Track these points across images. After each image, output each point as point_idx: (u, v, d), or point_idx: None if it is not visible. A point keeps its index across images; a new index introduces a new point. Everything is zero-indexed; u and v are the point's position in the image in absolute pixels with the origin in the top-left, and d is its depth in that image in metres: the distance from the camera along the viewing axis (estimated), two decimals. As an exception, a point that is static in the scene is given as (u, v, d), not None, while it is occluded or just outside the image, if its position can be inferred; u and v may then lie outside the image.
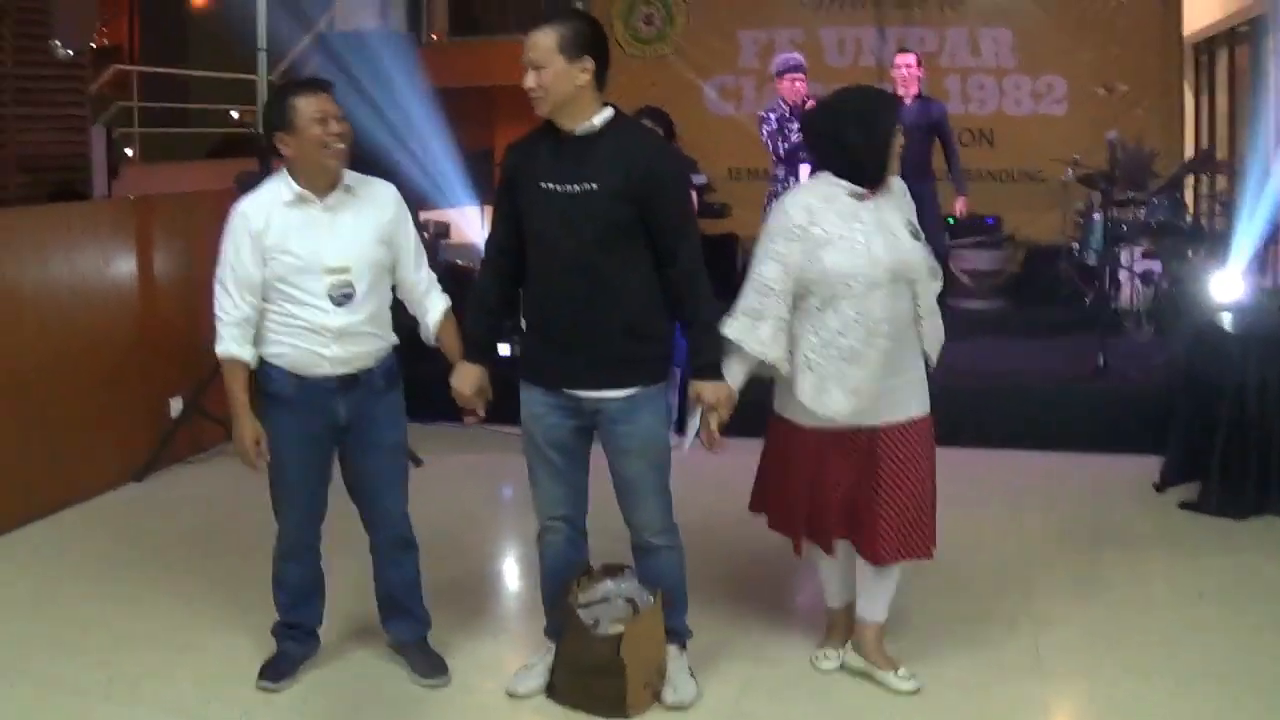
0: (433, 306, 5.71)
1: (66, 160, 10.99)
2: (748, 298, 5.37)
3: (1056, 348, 11.25)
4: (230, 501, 8.41)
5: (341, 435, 5.59)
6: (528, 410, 5.44)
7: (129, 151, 17.20)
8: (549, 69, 5.06)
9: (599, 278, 5.17)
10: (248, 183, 8.65)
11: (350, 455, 5.66)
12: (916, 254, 5.23)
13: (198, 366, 9.36)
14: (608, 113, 5.20)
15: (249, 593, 6.45)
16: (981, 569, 6.74)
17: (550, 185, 5.17)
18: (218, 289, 5.48)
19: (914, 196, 5.58)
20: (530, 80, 5.07)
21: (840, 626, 5.88)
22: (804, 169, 10.26)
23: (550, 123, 5.24)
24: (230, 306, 5.46)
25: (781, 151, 10.94)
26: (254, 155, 10.06)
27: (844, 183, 5.26)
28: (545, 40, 5.06)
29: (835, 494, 5.39)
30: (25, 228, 8.30)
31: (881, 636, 5.66)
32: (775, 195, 10.50)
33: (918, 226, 5.34)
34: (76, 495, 8.52)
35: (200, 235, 9.48)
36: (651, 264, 5.24)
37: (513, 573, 7.38)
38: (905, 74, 11.70)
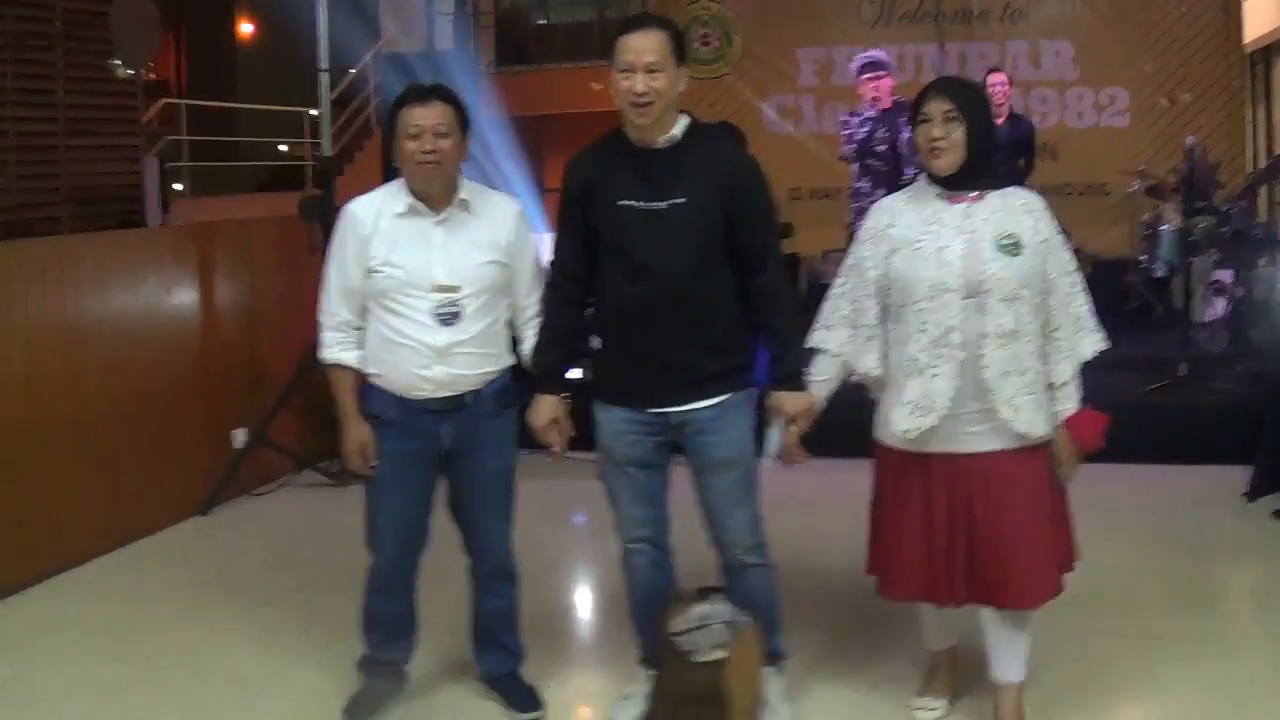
0: (530, 334, 5.48)
1: (120, 191, 10.92)
2: (827, 303, 5.22)
3: (1131, 360, 11.06)
4: (298, 533, 8.33)
5: (445, 461, 5.39)
6: (608, 429, 5.25)
7: (178, 186, 17.23)
8: (664, 73, 4.86)
9: (686, 295, 5.00)
10: (311, 208, 8.58)
11: (455, 482, 5.47)
12: (1000, 269, 4.81)
13: (261, 396, 9.29)
14: (685, 121, 5.04)
15: (325, 626, 6.35)
16: (1082, 583, 6.52)
17: (632, 202, 4.99)
18: (322, 292, 5.36)
19: None
20: (642, 84, 4.82)
21: (943, 672, 5.54)
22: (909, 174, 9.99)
23: (617, 136, 5.09)
24: (332, 310, 5.33)
25: (850, 155, 10.79)
26: (303, 187, 9.98)
27: (936, 185, 5.01)
28: (660, 43, 4.87)
29: (924, 531, 5.00)
30: (85, 256, 8.16)
31: (1020, 701, 5.20)
32: (861, 210, 10.29)
33: (1024, 240, 4.86)
34: (141, 529, 8.40)
35: (261, 263, 9.45)
36: (733, 275, 5.09)
37: (597, 600, 7.23)
38: (996, 92, 11.74)
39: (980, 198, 4.92)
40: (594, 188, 5.09)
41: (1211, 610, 6.56)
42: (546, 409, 5.27)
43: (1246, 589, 7.01)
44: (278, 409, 9.21)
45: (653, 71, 4.84)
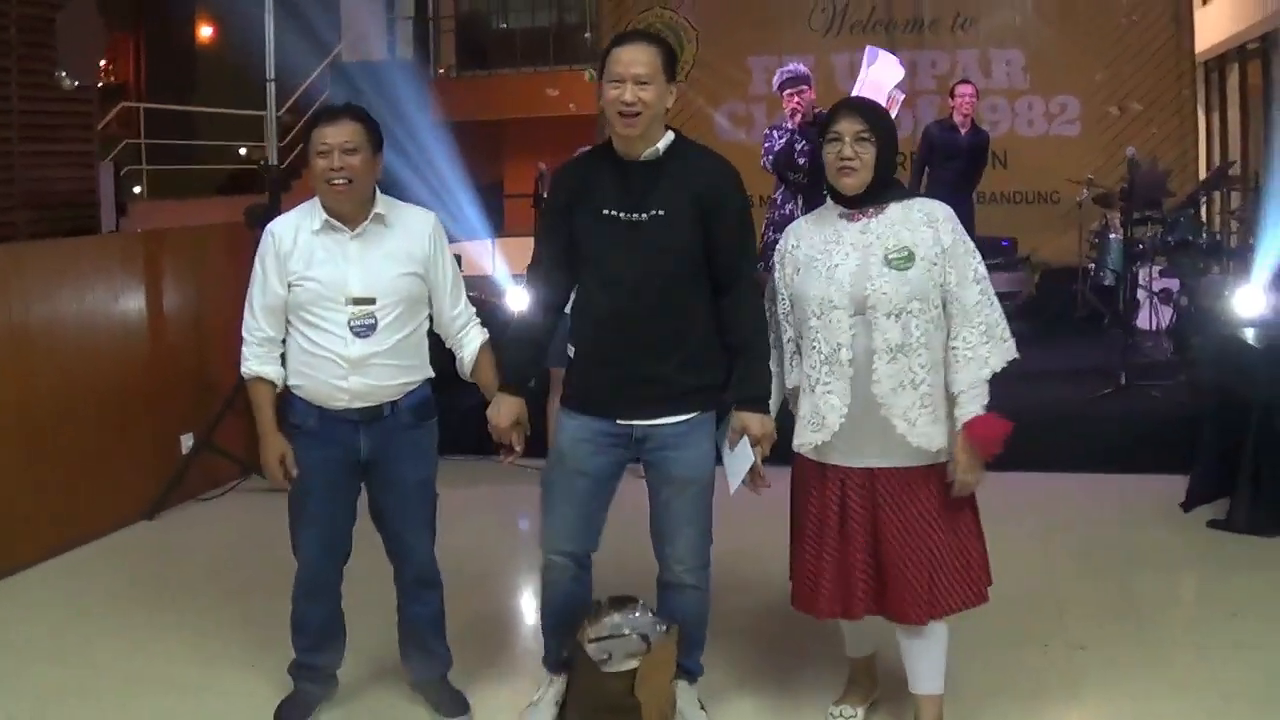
0: (469, 341, 5.55)
1: (74, 196, 10.94)
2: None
3: (1076, 369, 11.18)
4: (245, 539, 8.34)
5: (364, 470, 5.46)
6: (568, 437, 5.27)
7: (137, 189, 17.22)
8: (653, 86, 4.92)
9: (664, 306, 5.05)
10: (257, 216, 8.63)
11: (373, 490, 5.53)
12: (885, 284, 4.85)
13: (209, 402, 9.33)
14: (670, 136, 5.08)
15: (265, 632, 6.35)
16: (1011, 592, 6.60)
17: (614, 213, 5.05)
18: (246, 308, 5.41)
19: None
20: (631, 95, 4.88)
21: (861, 680, 5.60)
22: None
23: (603, 148, 5.17)
24: (255, 326, 5.38)
25: (768, 166, 10.81)
26: (263, 191, 10.02)
27: (839, 204, 5.06)
28: (651, 57, 4.93)
29: (835, 546, 5.04)
30: (34, 262, 8.22)
31: (940, 712, 5.22)
32: (773, 222, 10.40)
33: (920, 253, 4.89)
34: (88, 533, 8.43)
35: (210, 269, 9.49)
36: (710, 291, 5.14)
37: (531, 608, 7.23)
38: (965, 103, 11.89)
39: (880, 211, 4.98)
40: (578, 198, 5.16)
41: (1138, 620, 6.62)
42: (510, 409, 5.29)
43: (1175, 598, 7.07)
44: (224, 414, 9.26)
45: (641, 83, 4.90)
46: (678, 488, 5.22)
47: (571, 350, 5.31)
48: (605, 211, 5.05)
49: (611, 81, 4.93)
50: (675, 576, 5.37)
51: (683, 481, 5.21)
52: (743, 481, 5.18)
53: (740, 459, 5.14)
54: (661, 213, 4.98)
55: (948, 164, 11.88)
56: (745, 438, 5.12)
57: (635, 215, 5.00)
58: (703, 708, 5.54)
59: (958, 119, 12.20)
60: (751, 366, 5.15)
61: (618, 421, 5.18)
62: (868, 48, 10.88)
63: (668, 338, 5.07)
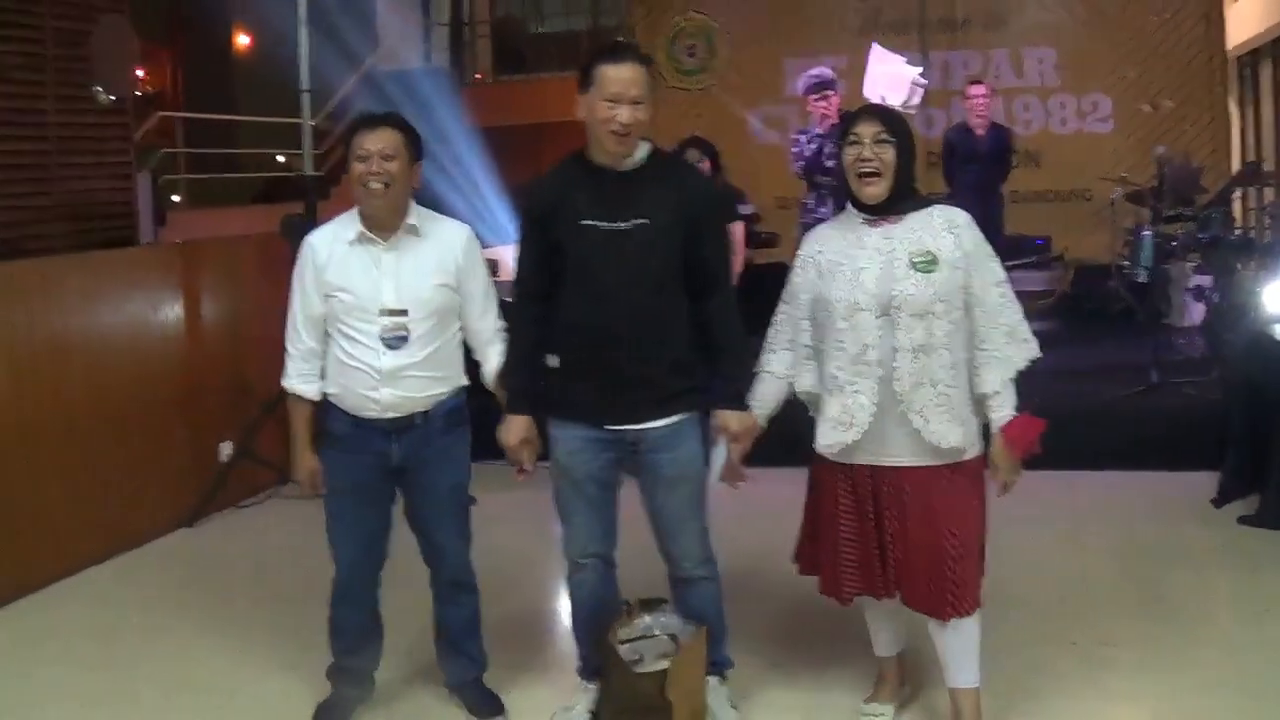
0: (494, 355, 5.60)
1: (112, 208, 10.97)
2: (771, 329, 5.37)
3: (1109, 366, 11.20)
4: (283, 545, 8.42)
5: (397, 477, 5.54)
6: (565, 448, 5.36)
7: (175, 198, 17.27)
8: (645, 105, 5.05)
9: (647, 313, 5.15)
10: (293, 226, 8.70)
11: (408, 497, 5.61)
12: (911, 286, 4.93)
13: (247, 410, 9.43)
14: (647, 147, 5.20)
15: (304, 636, 6.39)
16: (1041, 590, 6.66)
17: (595, 222, 5.13)
18: (289, 321, 5.52)
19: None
20: (628, 115, 5.00)
21: (890, 678, 5.65)
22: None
23: (579, 160, 5.24)
24: (297, 339, 5.49)
25: (799, 172, 10.92)
26: (301, 198, 10.08)
27: (861, 212, 5.13)
28: (643, 77, 5.06)
29: (857, 534, 5.14)
30: (72, 275, 8.33)
31: (978, 704, 5.26)
32: (806, 226, 10.40)
33: (942, 257, 4.97)
34: (128, 542, 8.53)
35: (246, 279, 9.59)
36: (688, 296, 5.24)
37: (565, 610, 7.21)
38: (978, 104, 11.85)
39: (900, 219, 5.05)
40: (557, 209, 5.22)
41: (1167, 616, 6.62)
42: (518, 429, 5.38)
43: (1204, 595, 7.04)
44: (262, 422, 9.34)
45: (636, 104, 5.02)
46: (672, 487, 5.33)
47: (554, 361, 5.36)
48: (586, 222, 5.14)
49: (608, 100, 5.01)
50: (686, 572, 5.48)
51: (676, 481, 5.32)
52: (720, 477, 5.36)
53: (717, 456, 5.34)
54: (645, 221, 5.10)
55: (967, 167, 11.84)
56: (724, 436, 5.27)
57: (617, 224, 5.11)
58: (734, 706, 5.59)
59: (973, 121, 12.18)
60: (731, 366, 5.30)
61: (608, 427, 5.27)
62: (874, 45, 10.95)
63: (654, 342, 5.18)
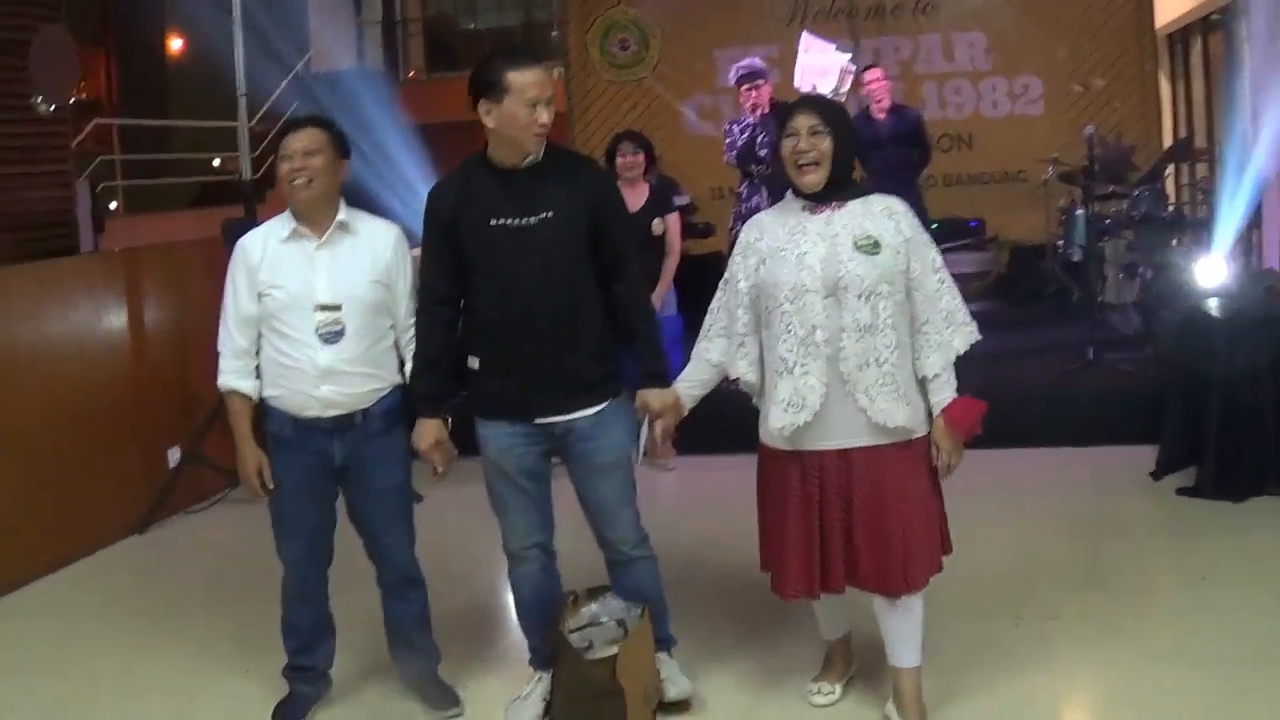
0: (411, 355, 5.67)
1: (52, 217, 10.99)
2: (708, 317, 5.44)
3: (1046, 345, 11.35)
4: (234, 549, 8.40)
5: (340, 477, 5.60)
6: (495, 445, 5.45)
7: (113, 205, 17.23)
8: (554, 104, 5.21)
9: (562, 306, 5.26)
10: (233, 230, 8.71)
11: (350, 497, 5.68)
12: (856, 266, 5.00)
13: (194, 415, 9.45)
14: (543, 143, 5.30)
15: (258, 638, 6.44)
16: (984, 565, 6.74)
17: (503, 221, 5.24)
18: (220, 322, 5.58)
19: None
20: (548, 115, 5.16)
21: (837, 659, 5.75)
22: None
23: (481, 161, 5.35)
24: (229, 339, 5.54)
25: (732, 161, 11.00)
26: (238, 202, 10.09)
27: (801, 198, 5.22)
28: (548, 73, 5.18)
29: (804, 533, 5.16)
30: (16, 285, 8.35)
31: (919, 683, 5.34)
32: (739, 215, 10.56)
33: (884, 241, 5.06)
34: (79, 550, 8.53)
35: (188, 284, 9.59)
36: (598, 285, 5.37)
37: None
38: (875, 89, 11.87)
39: (841, 205, 5.15)
40: (462, 212, 5.33)
41: (1109, 589, 6.72)
42: (429, 433, 5.47)
43: (1146, 566, 7.15)
44: (209, 426, 9.34)
45: (550, 102, 5.17)
46: (605, 474, 5.45)
47: (475, 362, 5.44)
48: (494, 221, 5.25)
49: (527, 105, 5.12)
50: (623, 554, 5.59)
51: (607, 467, 5.44)
52: (644, 456, 5.42)
53: (641, 436, 5.50)
54: (550, 214, 5.22)
55: (874, 154, 11.84)
56: (646, 416, 5.40)
57: (524, 220, 5.23)
58: (683, 672, 5.73)
59: (873, 108, 12.17)
60: (644, 347, 5.43)
61: (536, 421, 5.37)
62: (803, 34, 11.03)
63: (573, 333, 5.29)
